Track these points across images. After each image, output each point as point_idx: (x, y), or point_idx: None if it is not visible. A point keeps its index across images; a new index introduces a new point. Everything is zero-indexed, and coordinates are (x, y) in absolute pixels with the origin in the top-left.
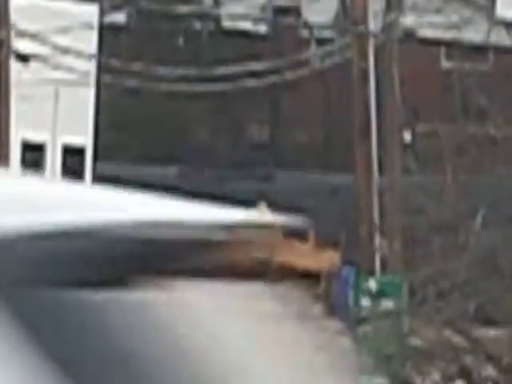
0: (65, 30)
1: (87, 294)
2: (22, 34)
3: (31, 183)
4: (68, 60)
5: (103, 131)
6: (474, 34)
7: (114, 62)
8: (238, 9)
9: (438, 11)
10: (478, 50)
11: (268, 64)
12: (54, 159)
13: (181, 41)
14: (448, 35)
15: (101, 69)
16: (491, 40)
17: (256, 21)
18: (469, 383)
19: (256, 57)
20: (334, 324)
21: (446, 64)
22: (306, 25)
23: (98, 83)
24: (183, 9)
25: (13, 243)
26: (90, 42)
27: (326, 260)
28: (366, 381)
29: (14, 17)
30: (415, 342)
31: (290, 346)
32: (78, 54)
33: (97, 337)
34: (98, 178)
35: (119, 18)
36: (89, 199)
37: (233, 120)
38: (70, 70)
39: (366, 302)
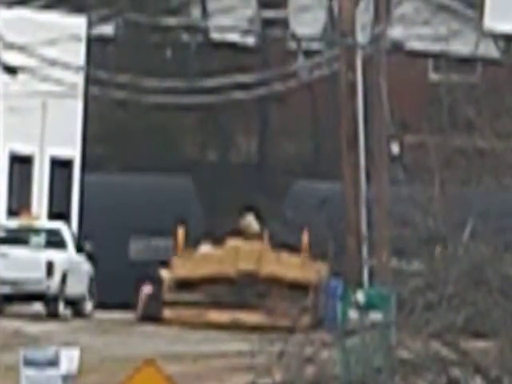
0: (52, 42)
1: None
2: (10, 47)
3: None
4: (56, 72)
5: (91, 143)
6: (461, 46)
7: (102, 74)
8: (226, 21)
9: (426, 23)
10: (465, 62)
11: (256, 76)
12: (42, 171)
13: (169, 53)
14: (436, 47)
15: (88, 81)
16: (479, 52)
17: (244, 33)
18: None
19: (244, 69)
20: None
21: (433, 76)
22: (294, 37)
23: (86, 95)
24: (171, 21)
25: None
26: (77, 54)
27: (315, 272)
28: None
29: (2, 29)
30: (403, 354)
31: None
32: (66, 66)
33: None
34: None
35: (107, 30)
36: None
37: (221, 132)
38: (58, 81)
39: (353, 314)
